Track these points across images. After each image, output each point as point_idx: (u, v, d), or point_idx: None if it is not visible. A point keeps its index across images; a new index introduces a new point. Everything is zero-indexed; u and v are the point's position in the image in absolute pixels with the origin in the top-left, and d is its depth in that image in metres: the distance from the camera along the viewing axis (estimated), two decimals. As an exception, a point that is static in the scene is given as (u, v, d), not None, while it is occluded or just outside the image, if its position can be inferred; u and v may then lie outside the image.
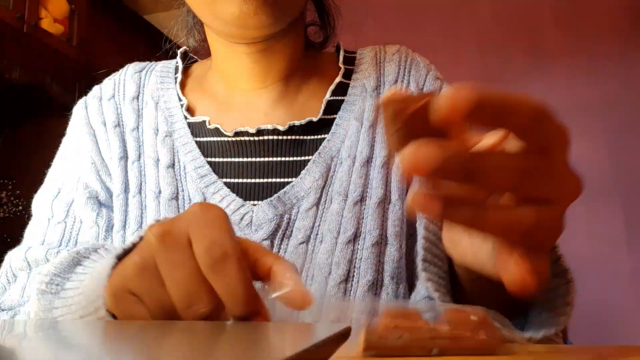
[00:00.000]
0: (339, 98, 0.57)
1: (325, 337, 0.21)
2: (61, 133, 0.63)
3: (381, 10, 3.96)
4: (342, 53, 0.61)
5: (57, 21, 2.38)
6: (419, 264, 0.37)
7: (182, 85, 0.60)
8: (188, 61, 0.65)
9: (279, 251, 0.48)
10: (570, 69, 3.51)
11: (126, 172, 0.55)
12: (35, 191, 0.59)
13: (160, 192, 0.53)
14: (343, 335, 0.23)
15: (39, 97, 2.33)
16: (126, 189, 0.54)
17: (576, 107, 3.47)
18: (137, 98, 0.58)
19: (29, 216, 0.58)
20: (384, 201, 0.50)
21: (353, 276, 0.46)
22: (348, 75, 0.58)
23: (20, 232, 0.58)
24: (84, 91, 0.62)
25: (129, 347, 0.23)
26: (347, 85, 0.58)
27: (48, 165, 0.62)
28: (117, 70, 0.63)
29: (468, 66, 3.72)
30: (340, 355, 0.24)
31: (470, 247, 0.32)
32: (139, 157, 0.55)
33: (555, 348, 0.28)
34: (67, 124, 0.62)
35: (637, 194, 3.27)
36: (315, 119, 0.54)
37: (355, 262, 0.47)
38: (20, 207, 2.16)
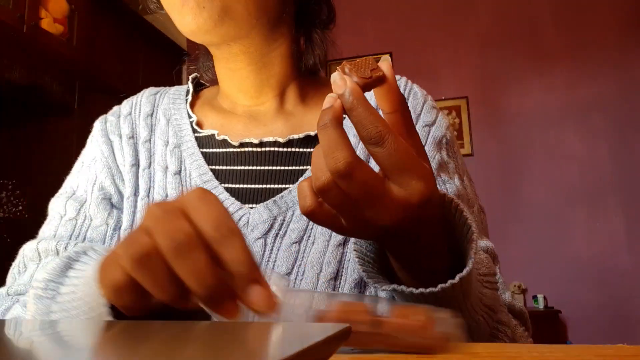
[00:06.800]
0: None
1: (325, 337, 0.21)
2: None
3: (381, 10, 3.96)
4: None
5: (57, 21, 2.38)
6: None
7: (192, 105, 0.66)
8: (199, 87, 0.72)
9: (272, 249, 0.53)
10: (569, 69, 3.50)
11: (137, 178, 0.61)
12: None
13: (167, 195, 0.59)
14: (343, 335, 0.23)
15: (39, 97, 2.33)
16: (136, 192, 0.60)
17: (575, 107, 3.46)
18: (152, 115, 0.65)
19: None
20: None
21: (342, 275, 0.51)
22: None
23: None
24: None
25: (130, 348, 0.23)
26: None
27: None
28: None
29: (468, 66, 3.72)
30: (340, 355, 0.24)
31: None
32: (149, 165, 0.61)
33: (555, 348, 0.28)
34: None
35: (637, 194, 3.27)
36: (312, 134, 0.59)
37: (344, 263, 0.51)
38: (20, 207, 2.16)
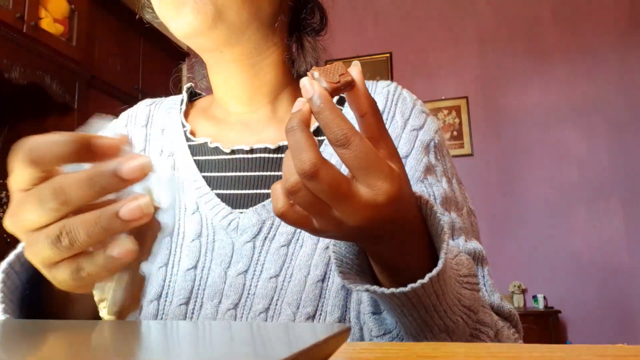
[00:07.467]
0: None
1: (325, 337, 0.21)
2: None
3: (381, 10, 3.96)
4: None
5: (57, 21, 2.38)
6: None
7: (186, 115, 0.68)
8: (194, 97, 0.73)
9: (260, 252, 0.54)
10: (569, 69, 3.50)
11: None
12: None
13: None
14: (343, 335, 0.23)
15: (39, 97, 2.33)
16: None
17: (575, 106, 3.47)
18: (146, 126, 0.67)
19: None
20: None
21: (329, 277, 0.52)
22: (340, 102, 0.64)
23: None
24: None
25: (132, 347, 0.23)
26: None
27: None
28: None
29: (468, 66, 3.73)
30: (340, 355, 0.24)
31: None
32: None
33: (555, 348, 0.28)
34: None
35: (637, 194, 3.27)
36: None
37: (331, 266, 0.52)
38: (20, 207, 2.15)
